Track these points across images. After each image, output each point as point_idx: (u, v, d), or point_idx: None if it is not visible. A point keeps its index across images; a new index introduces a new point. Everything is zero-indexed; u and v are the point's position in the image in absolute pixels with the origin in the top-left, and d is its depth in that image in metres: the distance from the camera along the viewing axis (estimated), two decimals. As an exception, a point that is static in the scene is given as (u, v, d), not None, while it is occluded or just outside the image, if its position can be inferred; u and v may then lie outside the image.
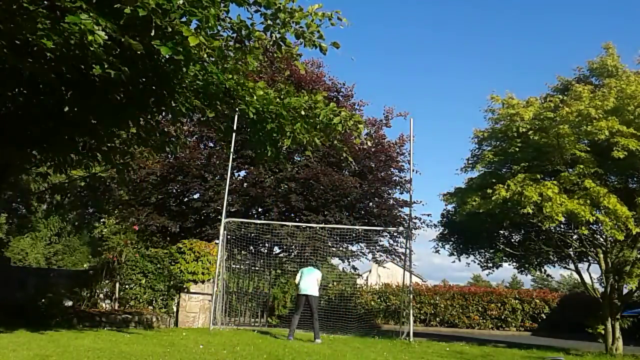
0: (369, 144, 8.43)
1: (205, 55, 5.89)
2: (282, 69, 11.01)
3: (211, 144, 17.27)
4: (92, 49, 4.77)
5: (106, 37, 4.75)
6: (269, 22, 6.59)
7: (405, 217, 17.09)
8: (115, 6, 4.84)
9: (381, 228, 15.99)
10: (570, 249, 12.41)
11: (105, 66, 5.23)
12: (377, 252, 17.30)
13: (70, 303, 12.01)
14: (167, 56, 5.38)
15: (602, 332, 11.03)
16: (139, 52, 5.26)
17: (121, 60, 5.40)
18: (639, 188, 11.32)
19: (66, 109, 6.91)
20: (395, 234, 16.49)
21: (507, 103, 11.90)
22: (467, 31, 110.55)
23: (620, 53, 12.32)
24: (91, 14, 4.63)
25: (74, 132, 7.88)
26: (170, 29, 5.20)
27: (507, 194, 10.37)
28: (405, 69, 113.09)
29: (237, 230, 13.63)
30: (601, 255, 11.36)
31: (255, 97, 7.12)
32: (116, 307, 12.42)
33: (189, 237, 14.57)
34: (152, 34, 5.04)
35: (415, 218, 16.80)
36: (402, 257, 15.47)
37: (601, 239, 11.56)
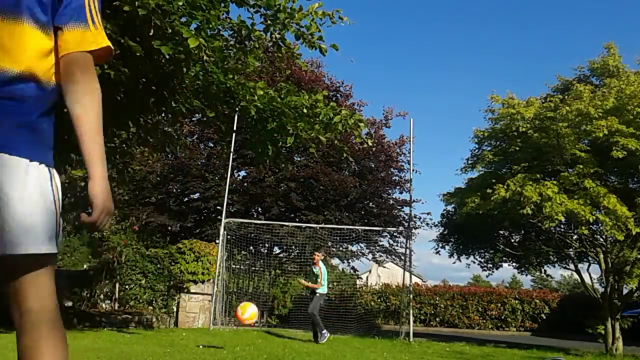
0: (370, 143, 8.36)
1: (205, 57, 5.88)
2: (282, 68, 11.01)
3: (211, 144, 17.28)
4: None
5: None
6: (269, 22, 6.58)
7: (405, 216, 17.13)
8: (115, 3, 4.82)
9: (381, 228, 15.99)
10: (570, 249, 12.40)
11: (105, 67, 5.23)
12: (377, 252, 17.31)
13: (70, 303, 12.00)
14: (168, 56, 5.37)
15: (602, 332, 11.02)
16: (138, 54, 5.25)
17: (121, 61, 5.40)
18: (639, 188, 11.32)
19: (65, 109, 6.91)
20: (395, 234, 16.51)
21: (508, 103, 11.90)
22: (466, 31, 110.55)
23: (622, 53, 12.35)
24: None
25: (74, 132, 7.86)
26: (170, 30, 5.20)
27: (507, 194, 10.36)
28: (406, 68, 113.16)
29: (237, 230, 13.63)
30: (601, 256, 11.35)
31: (256, 97, 7.11)
32: (116, 307, 12.41)
33: (188, 237, 14.56)
34: (151, 33, 5.02)
35: (415, 217, 16.82)
36: (402, 257, 15.47)
37: (601, 239, 11.55)
